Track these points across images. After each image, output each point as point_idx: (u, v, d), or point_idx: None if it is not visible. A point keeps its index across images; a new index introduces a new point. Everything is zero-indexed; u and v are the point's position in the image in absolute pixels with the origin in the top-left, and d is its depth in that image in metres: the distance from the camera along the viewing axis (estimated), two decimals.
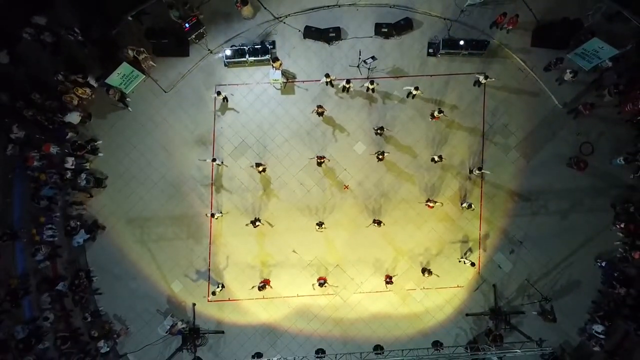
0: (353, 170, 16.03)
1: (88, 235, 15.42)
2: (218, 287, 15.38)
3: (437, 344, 15.44)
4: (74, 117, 14.99)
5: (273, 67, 15.13)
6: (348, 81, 15.08)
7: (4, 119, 14.47)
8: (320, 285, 15.00)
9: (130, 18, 14.76)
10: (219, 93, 15.15)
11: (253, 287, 15.15)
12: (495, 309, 15.70)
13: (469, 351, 14.86)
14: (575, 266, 15.92)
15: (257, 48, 15.48)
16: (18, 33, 14.57)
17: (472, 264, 15.21)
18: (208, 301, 15.84)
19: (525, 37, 15.98)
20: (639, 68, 15.10)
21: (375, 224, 15.26)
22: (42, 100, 14.78)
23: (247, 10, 15.24)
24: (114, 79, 14.71)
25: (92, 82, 15.11)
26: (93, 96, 15.54)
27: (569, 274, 15.95)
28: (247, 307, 15.94)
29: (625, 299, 15.22)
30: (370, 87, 15.21)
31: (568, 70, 15.03)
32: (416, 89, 14.88)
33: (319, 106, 15.19)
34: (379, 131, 15.41)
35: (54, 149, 15.02)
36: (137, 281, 15.88)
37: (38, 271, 14.93)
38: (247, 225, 15.09)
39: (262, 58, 15.57)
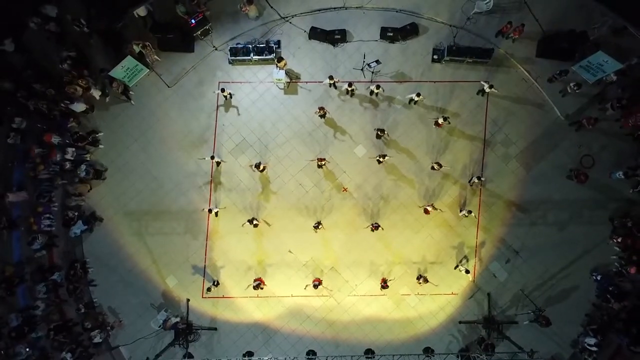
0: (353, 172, 16.03)
1: (85, 227, 15.43)
2: (213, 283, 15.38)
3: (428, 351, 15.44)
4: (79, 106, 14.97)
5: (277, 66, 15.17)
6: (350, 84, 15.08)
7: (7, 107, 14.51)
8: (315, 287, 14.99)
9: (137, 15, 14.80)
10: (223, 90, 15.16)
11: (248, 286, 15.15)
12: (489, 317, 15.69)
13: (460, 359, 14.86)
14: (570, 278, 15.89)
15: (262, 47, 15.50)
16: (24, 21, 14.64)
17: (467, 272, 15.17)
18: (202, 297, 15.83)
19: (530, 47, 15.97)
20: None
21: (372, 228, 15.22)
22: (44, 89, 14.85)
23: (252, 10, 15.25)
24: (117, 71, 14.73)
25: (95, 93, 15.17)
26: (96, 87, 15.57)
27: (564, 285, 15.91)
28: (241, 304, 15.95)
29: (619, 313, 15.21)
30: (375, 91, 15.19)
31: (572, 83, 15.01)
32: (418, 95, 14.86)
33: (321, 108, 15.19)
34: (379, 133, 15.42)
35: (55, 139, 15.05)
36: (133, 274, 15.89)
37: (34, 260, 14.96)
38: (243, 225, 15.12)
39: (267, 57, 15.59)
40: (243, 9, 15.01)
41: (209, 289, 15.33)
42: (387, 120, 15.99)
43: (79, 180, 15.56)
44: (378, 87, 15.08)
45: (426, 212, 15.33)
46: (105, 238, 15.89)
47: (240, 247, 15.95)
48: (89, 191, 15.85)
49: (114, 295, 15.90)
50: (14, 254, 14.74)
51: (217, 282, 15.54)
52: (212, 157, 15.25)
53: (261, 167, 15.30)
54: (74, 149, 15.37)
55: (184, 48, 15.96)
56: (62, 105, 14.97)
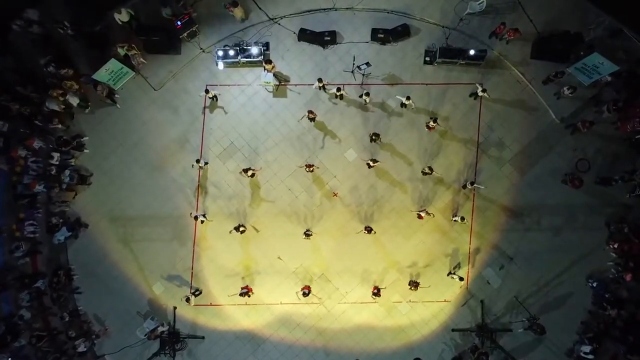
0: (343, 177, 15.69)
1: (70, 233, 15.11)
2: (194, 293, 14.92)
3: None
4: (53, 105, 14.54)
5: (265, 69, 14.82)
6: (339, 89, 14.72)
7: None
8: (305, 295, 14.65)
9: (120, 22, 14.49)
10: (207, 91, 14.80)
11: (234, 294, 14.79)
12: (482, 325, 15.34)
13: None
14: (565, 285, 15.55)
15: (249, 49, 15.16)
16: (7, 24, 14.32)
17: (461, 279, 14.83)
18: (189, 305, 15.43)
19: (525, 48, 15.61)
20: (638, 85, 14.71)
21: (366, 231, 14.91)
22: (28, 93, 14.55)
23: (238, 12, 14.89)
24: (101, 74, 14.39)
25: (73, 100, 14.79)
26: (81, 90, 15.26)
27: (559, 292, 15.56)
28: (229, 312, 15.62)
29: (615, 320, 14.89)
30: (365, 98, 14.82)
31: (565, 87, 14.66)
32: (407, 98, 14.53)
33: (310, 111, 14.85)
34: (373, 137, 15.09)
35: (37, 144, 14.76)
36: (119, 281, 15.57)
37: (17, 267, 14.65)
38: (230, 232, 14.80)
39: (255, 59, 15.26)
40: (228, 8, 14.63)
41: (187, 299, 14.71)
42: (379, 124, 15.66)
43: (66, 187, 15.19)
44: (367, 94, 14.72)
45: (419, 217, 15.01)
46: (90, 244, 15.57)
47: (229, 254, 15.63)
48: (74, 198, 15.51)
49: (100, 303, 15.58)
50: None
51: (199, 290, 15.17)
52: (197, 161, 14.85)
53: (250, 173, 14.95)
54: (59, 154, 15.04)
55: (170, 50, 15.61)
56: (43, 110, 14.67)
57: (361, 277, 15.68)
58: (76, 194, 15.56)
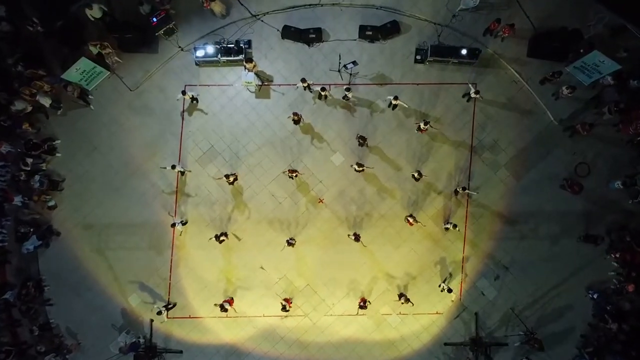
0: (329, 182, 14.90)
1: (40, 242, 14.30)
2: (166, 306, 14.14)
3: None
4: (21, 105, 13.74)
5: (245, 68, 14.03)
6: (323, 88, 13.93)
7: None
8: (283, 309, 13.85)
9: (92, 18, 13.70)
10: (184, 93, 13.95)
11: (215, 304, 13.96)
12: (476, 339, 14.56)
13: None
14: (564, 296, 14.78)
15: (230, 47, 14.38)
16: None
17: (449, 290, 13.96)
18: (167, 317, 14.54)
19: (521, 46, 14.82)
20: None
21: (353, 237, 14.09)
22: None
23: (217, 7, 14.10)
24: (72, 74, 13.62)
25: (44, 101, 14.00)
26: (53, 91, 14.46)
27: (558, 304, 14.80)
28: (208, 325, 14.83)
29: (617, 334, 14.11)
30: (348, 95, 14.05)
31: (564, 87, 13.88)
32: (395, 98, 13.73)
33: (295, 113, 14.06)
34: (360, 141, 14.31)
35: (5, 148, 13.95)
36: (92, 292, 14.75)
37: None
38: (210, 239, 13.99)
39: (236, 58, 14.47)
40: (205, 5, 13.86)
41: (159, 312, 13.86)
42: (367, 126, 14.86)
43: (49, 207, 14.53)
44: (349, 89, 13.96)
45: (409, 223, 14.20)
46: (62, 254, 14.73)
47: (209, 263, 14.84)
48: (54, 209, 14.72)
49: (72, 315, 14.76)
50: None
51: (172, 304, 14.40)
52: (173, 167, 14.01)
53: (231, 179, 14.13)
54: (32, 159, 14.26)
55: (147, 49, 14.83)
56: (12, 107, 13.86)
57: (348, 288, 14.89)
58: (55, 206, 14.72)
